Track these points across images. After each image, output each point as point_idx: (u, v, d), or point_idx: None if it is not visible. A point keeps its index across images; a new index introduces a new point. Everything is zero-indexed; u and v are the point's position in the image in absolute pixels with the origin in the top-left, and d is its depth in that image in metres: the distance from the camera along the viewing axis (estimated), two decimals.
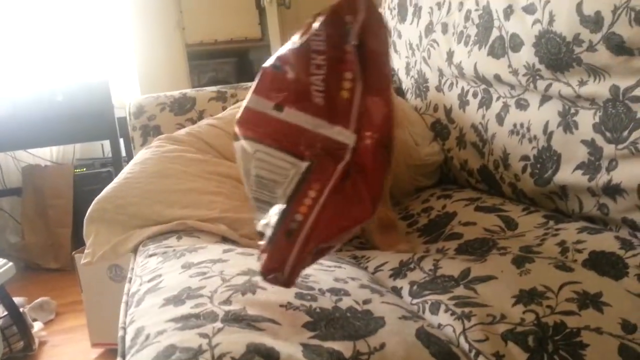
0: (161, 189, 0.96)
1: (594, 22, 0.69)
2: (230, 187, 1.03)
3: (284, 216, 0.45)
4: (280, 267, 0.45)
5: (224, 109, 1.30)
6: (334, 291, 0.56)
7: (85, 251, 0.93)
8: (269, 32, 2.57)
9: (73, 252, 1.57)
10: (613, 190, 0.74)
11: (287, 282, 0.46)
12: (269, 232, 0.46)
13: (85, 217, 0.95)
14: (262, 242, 0.47)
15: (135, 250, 0.90)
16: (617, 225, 0.76)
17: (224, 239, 0.91)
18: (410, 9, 1.25)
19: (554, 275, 0.61)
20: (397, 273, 0.71)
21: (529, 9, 0.81)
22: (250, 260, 0.66)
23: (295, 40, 0.47)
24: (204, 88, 1.38)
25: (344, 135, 0.44)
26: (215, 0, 2.68)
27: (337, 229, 0.45)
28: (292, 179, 0.45)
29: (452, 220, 0.89)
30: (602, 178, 0.75)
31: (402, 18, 1.29)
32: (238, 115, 0.50)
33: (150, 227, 0.93)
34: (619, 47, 0.68)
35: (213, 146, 1.15)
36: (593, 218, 0.80)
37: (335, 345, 0.45)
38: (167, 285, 0.59)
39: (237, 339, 0.44)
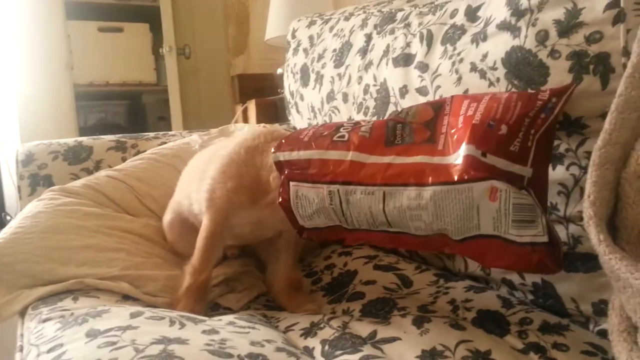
0: (55, 245, 0.91)
1: None
2: (131, 242, 0.99)
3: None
4: None
5: (123, 159, 1.26)
6: (252, 357, 0.57)
7: None
8: (167, 80, 2.54)
9: None
10: None
11: None
12: None
13: None
14: None
15: (22, 313, 0.83)
16: (498, 284, 0.86)
17: (125, 297, 0.87)
18: (313, 76, 1.33)
19: (449, 334, 0.68)
20: (308, 332, 0.74)
21: (422, 91, 0.92)
22: (162, 327, 0.65)
23: (512, 105, 0.64)
24: (102, 137, 1.33)
25: (523, 170, 0.60)
26: (108, 43, 2.61)
27: None
28: None
29: (353, 279, 0.94)
30: None
31: (305, 83, 1.37)
32: (460, 163, 0.61)
33: (40, 287, 0.86)
34: None
35: (112, 199, 1.11)
36: (477, 277, 0.90)
37: None
38: (72, 357, 0.56)
39: None
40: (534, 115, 0.63)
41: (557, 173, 0.72)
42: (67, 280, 0.86)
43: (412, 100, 0.94)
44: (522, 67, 0.73)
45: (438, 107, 0.72)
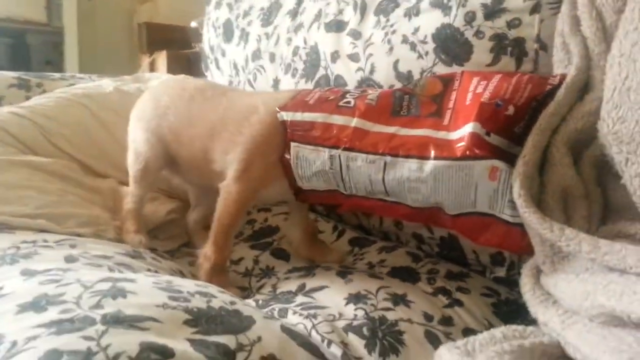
0: None
1: (406, 78, 0.87)
2: (41, 180, 0.93)
3: None
4: None
5: (27, 98, 1.17)
6: (201, 294, 0.59)
7: None
8: (59, 20, 2.33)
9: None
10: None
11: None
12: None
13: None
14: None
15: None
16: (407, 240, 0.95)
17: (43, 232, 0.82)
18: (237, 32, 1.32)
19: (370, 282, 0.75)
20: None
21: (354, 57, 0.97)
22: (102, 272, 0.64)
23: (523, 86, 0.64)
24: (2, 72, 1.22)
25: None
26: None
27: None
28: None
29: (276, 234, 0.98)
30: None
31: (228, 38, 1.36)
32: (465, 139, 0.60)
33: None
34: None
35: (17, 137, 1.03)
36: (389, 233, 0.99)
37: (220, 339, 0.50)
38: (14, 291, 0.54)
39: (127, 339, 0.45)
40: (542, 98, 0.63)
41: None
42: None
43: (343, 65, 0.99)
44: (450, 44, 0.80)
45: (447, 82, 0.71)
